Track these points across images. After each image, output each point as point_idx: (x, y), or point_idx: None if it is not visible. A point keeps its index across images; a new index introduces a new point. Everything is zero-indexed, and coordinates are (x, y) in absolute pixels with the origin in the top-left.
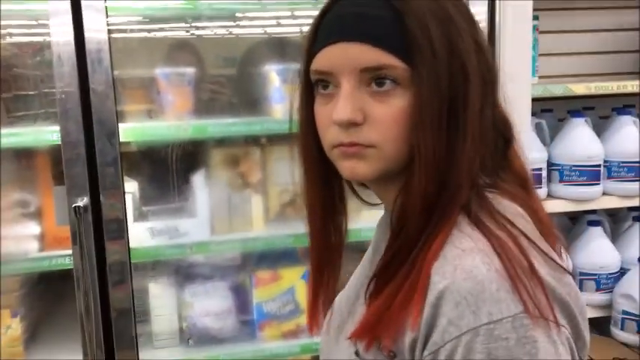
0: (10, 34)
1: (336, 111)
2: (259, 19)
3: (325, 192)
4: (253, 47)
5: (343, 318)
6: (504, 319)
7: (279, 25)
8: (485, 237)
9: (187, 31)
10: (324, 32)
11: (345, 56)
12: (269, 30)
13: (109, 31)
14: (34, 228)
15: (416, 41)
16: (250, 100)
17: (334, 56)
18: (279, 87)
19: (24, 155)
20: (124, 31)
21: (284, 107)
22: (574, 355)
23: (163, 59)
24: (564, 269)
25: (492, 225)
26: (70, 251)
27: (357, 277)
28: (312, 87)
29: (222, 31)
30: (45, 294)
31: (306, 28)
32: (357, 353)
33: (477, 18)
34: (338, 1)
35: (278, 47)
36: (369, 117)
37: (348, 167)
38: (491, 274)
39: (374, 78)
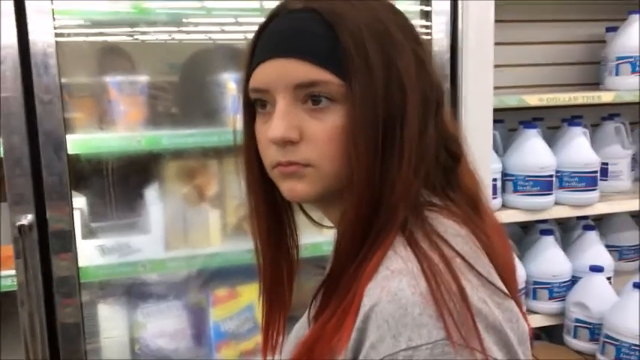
0: None
1: (270, 129)
2: (213, 24)
3: (270, 209)
4: (207, 55)
5: (291, 342)
6: (423, 346)
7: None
8: (417, 258)
9: (132, 36)
10: (260, 49)
11: (278, 73)
12: (220, 36)
13: (57, 35)
14: None
15: (350, 57)
16: (207, 110)
17: (269, 73)
18: (236, 96)
19: None
20: (72, 35)
21: (233, 117)
22: None
23: (113, 66)
24: (505, 294)
25: (426, 246)
26: (12, 271)
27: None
28: (252, 106)
29: (176, 36)
30: None
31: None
32: None
33: (439, 28)
34: (274, 18)
35: (235, 55)
36: (305, 135)
37: (287, 188)
38: (415, 297)
39: (309, 94)
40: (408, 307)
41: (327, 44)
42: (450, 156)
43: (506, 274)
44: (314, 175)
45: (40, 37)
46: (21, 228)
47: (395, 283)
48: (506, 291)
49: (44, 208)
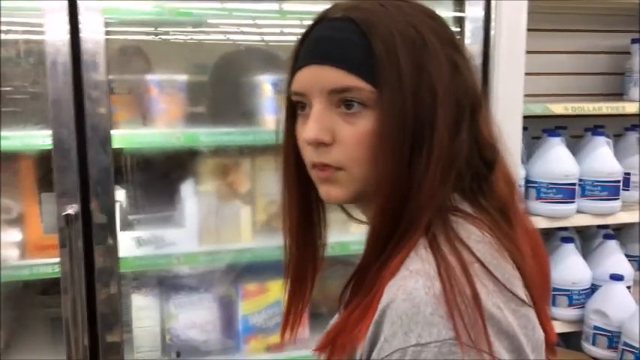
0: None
1: (305, 131)
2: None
3: (302, 207)
4: (245, 56)
5: None
6: (432, 343)
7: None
8: (435, 260)
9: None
10: (301, 55)
11: (315, 78)
12: (258, 39)
13: (107, 33)
14: (15, 235)
15: (382, 65)
16: (243, 110)
17: (306, 78)
18: (271, 98)
19: (7, 160)
20: (118, 33)
21: (276, 118)
22: None
23: (156, 65)
24: (523, 301)
25: (446, 249)
26: (52, 259)
27: None
28: (294, 107)
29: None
30: (19, 302)
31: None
32: None
33: (472, 34)
34: (316, 25)
35: (271, 58)
36: (337, 137)
37: (324, 191)
38: (429, 297)
39: (342, 100)
40: (421, 306)
41: (360, 52)
42: (483, 163)
43: (535, 282)
44: (345, 179)
45: (91, 34)
46: (68, 217)
47: (411, 282)
48: (525, 299)
49: (88, 200)
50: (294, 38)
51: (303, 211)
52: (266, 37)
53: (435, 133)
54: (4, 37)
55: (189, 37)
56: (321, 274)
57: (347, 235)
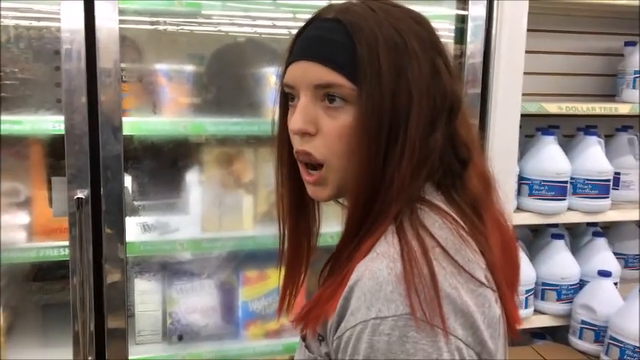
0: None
1: (291, 121)
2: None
3: (295, 193)
4: (251, 47)
5: None
6: (390, 317)
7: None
8: (400, 244)
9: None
10: (294, 50)
11: (303, 73)
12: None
13: (120, 22)
14: (22, 218)
15: (363, 65)
16: (249, 101)
17: (296, 72)
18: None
19: (18, 144)
20: (131, 22)
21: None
22: None
23: (165, 55)
24: (481, 282)
25: (410, 234)
26: (59, 243)
27: None
28: (286, 98)
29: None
30: (24, 285)
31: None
32: (303, 338)
33: (473, 32)
34: (310, 23)
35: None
36: (320, 129)
37: (312, 192)
38: (390, 277)
39: (325, 94)
40: (383, 285)
41: (345, 52)
42: (457, 161)
43: (499, 269)
44: (328, 175)
45: (105, 22)
46: (78, 201)
47: (377, 263)
48: (484, 281)
49: (97, 185)
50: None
51: (296, 197)
52: (270, 30)
53: (409, 131)
54: (19, 23)
55: (194, 29)
56: (321, 263)
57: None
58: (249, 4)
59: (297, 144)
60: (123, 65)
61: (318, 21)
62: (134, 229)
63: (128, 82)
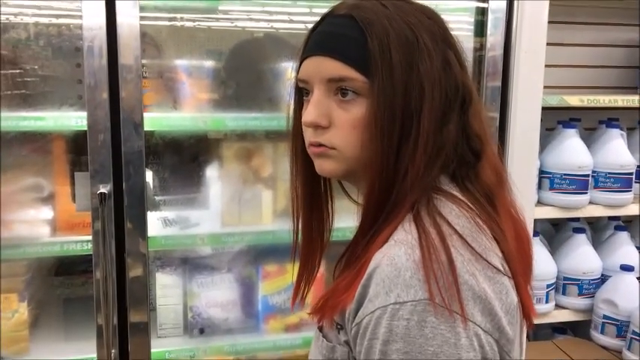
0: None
1: (305, 114)
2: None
3: (310, 186)
4: (270, 42)
5: None
6: (409, 302)
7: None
8: (417, 232)
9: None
10: (309, 46)
11: (317, 68)
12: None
13: (141, 18)
14: (46, 213)
15: (374, 59)
16: (269, 96)
17: (310, 67)
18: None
19: (41, 139)
20: (151, 19)
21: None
22: (489, 352)
23: (185, 50)
24: (498, 270)
25: (427, 222)
26: (82, 237)
27: None
28: (301, 93)
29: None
30: (48, 279)
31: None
32: (320, 329)
33: (494, 24)
34: (324, 19)
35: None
36: (333, 122)
37: (317, 164)
38: (409, 263)
39: (338, 88)
40: (402, 270)
41: (357, 47)
42: (471, 152)
43: (514, 258)
44: (337, 157)
45: (126, 19)
46: (101, 196)
47: (395, 250)
48: (500, 268)
49: (120, 180)
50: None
51: (310, 189)
52: (289, 25)
53: (422, 123)
54: (40, 20)
55: (216, 24)
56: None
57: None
58: (284, 0)
59: (311, 136)
60: (143, 61)
61: (331, 17)
62: (155, 223)
63: (149, 78)
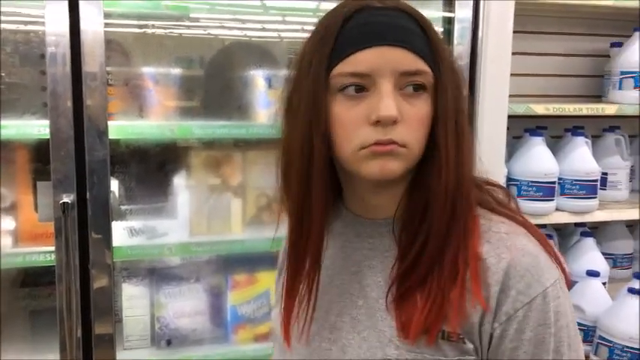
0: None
1: (382, 108)
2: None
3: (328, 193)
4: (239, 51)
5: (347, 326)
6: (556, 282)
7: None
8: (510, 221)
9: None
10: (353, 38)
11: (385, 59)
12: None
13: (105, 25)
14: (8, 223)
15: (439, 53)
16: (237, 104)
17: (374, 59)
18: (264, 92)
19: (4, 148)
20: (116, 25)
21: (268, 112)
22: None
23: (152, 58)
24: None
25: (503, 211)
26: (45, 248)
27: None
28: (325, 90)
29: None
30: (12, 291)
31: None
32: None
33: (460, 34)
34: (358, 12)
35: (265, 53)
36: (403, 117)
37: (377, 165)
38: (537, 249)
39: (409, 82)
40: (538, 257)
41: (422, 41)
42: None
43: None
44: (406, 155)
45: (91, 25)
46: (64, 206)
47: (517, 240)
48: None
49: (84, 189)
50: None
51: (328, 198)
52: (258, 33)
53: (465, 120)
54: (4, 27)
55: (182, 32)
56: None
57: None
58: (238, 7)
59: (377, 134)
60: (109, 69)
61: (375, 9)
62: (121, 233)
63: (114, 86)
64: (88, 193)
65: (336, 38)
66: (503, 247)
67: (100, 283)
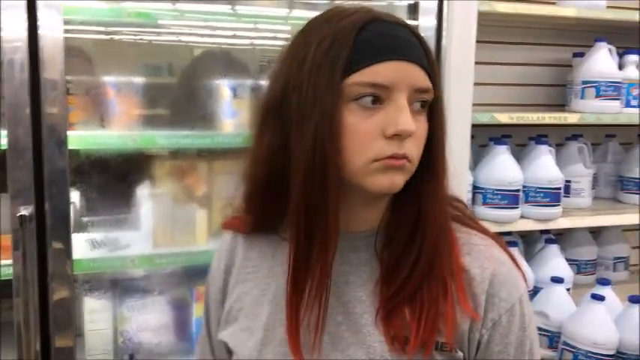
0: None
1: (402, 122)
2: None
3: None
4: (205, 60)
5: (327, 345)
6: (525, 287)
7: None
8: (480, 233)
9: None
10: (374, 49)
11: (404, 74)
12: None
13: (65, 31)
14: None
15: (436, 71)
16: (202, 114)
17: (394, 72)
18: (229, 101)
19: None
20: (77, 32)
21: (234, 122)
22: None
23: (114, 66)
24: None
25: (473, 225)
26: (4, 261)
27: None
28: (338, 99)
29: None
30: None
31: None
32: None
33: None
34: (371, 22)
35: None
36: (413, 132)
37: (387, 179)
38: (508, 258)
39: (418, 98)
40: (510, 266)
41: (426, 58)
42: None
43: None
44: (410, 169)
45: (50, 32)
46: (22, 218)
47: (494, 251)
48: None
49: (42, 201)
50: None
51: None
52: (222, 40)
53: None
54: None
55: (147, 39)
56: None
57: None
58: (208, 15)
59: (392, 148)
60: (70, 77)
61: (387, 23)
62: (82, 245)
63: (75, 95)
64: (46, 205)
65: (351, 47)
66: (483, 258)
67: (60, 296)
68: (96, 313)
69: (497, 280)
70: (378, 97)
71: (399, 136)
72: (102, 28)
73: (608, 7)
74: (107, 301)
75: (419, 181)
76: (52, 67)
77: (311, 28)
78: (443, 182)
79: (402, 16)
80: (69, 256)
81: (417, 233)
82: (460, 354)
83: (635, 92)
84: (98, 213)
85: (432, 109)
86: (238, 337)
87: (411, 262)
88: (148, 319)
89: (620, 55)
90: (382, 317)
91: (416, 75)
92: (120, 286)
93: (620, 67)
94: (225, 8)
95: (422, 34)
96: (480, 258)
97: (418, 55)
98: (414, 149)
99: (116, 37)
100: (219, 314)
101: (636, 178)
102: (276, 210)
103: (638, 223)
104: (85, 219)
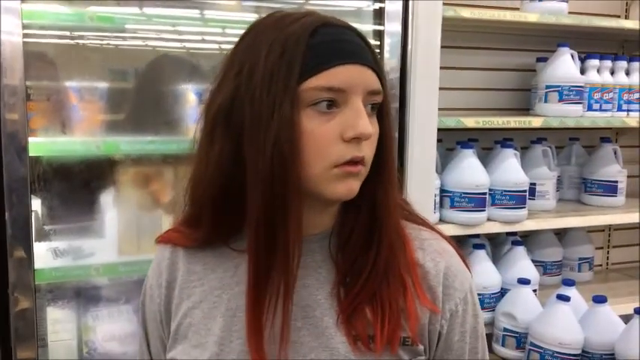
0: None
1: (362, 125)
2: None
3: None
4: (170, 65)
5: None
6: (471, 276)
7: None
8: (427, 228)
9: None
10: (328, 53)
11: (359, 77)
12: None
13: (25, 36)
14: None
15: (383, 74)
16: (166, 119)
17: (350, 76)
18: (195, 107)
19: None
20: (37, 36)
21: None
22: None
23: (76, 72)
24: None
25: (418, 220)
26: None
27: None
28: (296, 105)
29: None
30: None
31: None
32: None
33: (390, 49)
34: (322, 27)
35: (197, 67)
36: (372, 135)
37: (345, 186)
38: (454, 250)
39: (370, 101)
40: (457, 256)
41: (377, 63)
42: None
43: None
44: (364, 174)
45: (8, 37)
46: None
47: (442, 245)
48: None
49: (3, 209)
50: (216, 46)
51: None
52: (188, 44)
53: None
54: None
55: (110, 44)
56: None
57: None
58: (174, 19)
59: (352, 151)
60: (30, 83)
61: (337, 27)
62: (45, 254)
63: (36, 101)
64: (6, 214)
65: (304, 51)
66: (434, 252)
67: (21, 307)
68: (59, 324)
69: (450, 271)
70: (334, 101)
71: (357, 139)
72: (66, 33)
73: (569, 12)
74: (71, 311)
75: (371, 183)
76: (12, 73)
77: (257, 33)
78: (394, 183)
79: (368, 21)
80: (30, 265)
81: (374, 235)
82: (421, 347)
83: (596, 96)
84: (61, 221)
85: (380, 112)
86: (190, 354)
87: (370, 263)
88: (114, 329)
89: (582, 60)
90: (344, 319)
91: (369, 78)
92: (84, 296)
93: (582, 71)
94: (192, 13)
95: (388, 40)
96: (432, 252)
97: (369, 58)
98: (369, 152)
99: (80, 41)
100: (161, 334)
101: (599, 180)
102: (230, 223)
103: (601, 224)
104: (47, 227)
